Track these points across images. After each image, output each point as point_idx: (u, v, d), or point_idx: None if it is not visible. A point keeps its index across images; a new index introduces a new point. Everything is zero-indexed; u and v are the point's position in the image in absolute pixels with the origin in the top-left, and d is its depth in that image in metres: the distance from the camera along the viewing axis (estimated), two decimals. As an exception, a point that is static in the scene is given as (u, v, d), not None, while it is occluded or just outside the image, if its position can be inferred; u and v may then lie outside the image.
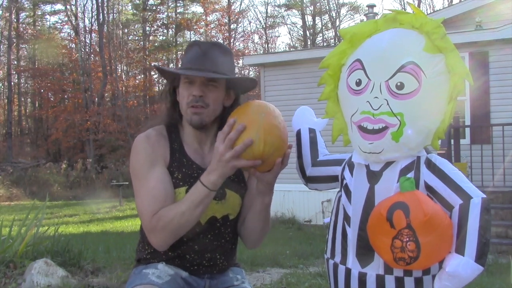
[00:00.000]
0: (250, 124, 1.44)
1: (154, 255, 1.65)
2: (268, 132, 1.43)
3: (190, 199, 1.49)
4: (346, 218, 1.46)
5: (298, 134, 1.71)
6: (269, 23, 29.98)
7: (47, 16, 30.33)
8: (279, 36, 43.44)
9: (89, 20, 30.15)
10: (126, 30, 29.27)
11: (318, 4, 28.75)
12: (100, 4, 25.82)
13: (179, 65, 1.71)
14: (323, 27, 29.57)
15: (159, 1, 28.31)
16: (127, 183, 14.87)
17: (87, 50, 27.11)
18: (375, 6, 11.87)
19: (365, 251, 1.41)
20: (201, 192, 1.48)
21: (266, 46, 29.87)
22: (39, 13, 29.22)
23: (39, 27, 28.92)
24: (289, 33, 37.38)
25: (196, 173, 1.63)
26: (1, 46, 27.20)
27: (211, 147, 1.68)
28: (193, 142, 1.69)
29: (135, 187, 1.59)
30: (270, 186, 1.57)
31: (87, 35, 27.84)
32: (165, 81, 1.78)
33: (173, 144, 1.67)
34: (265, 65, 10.41)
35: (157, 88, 27.24)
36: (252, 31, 31.15)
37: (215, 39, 27.94)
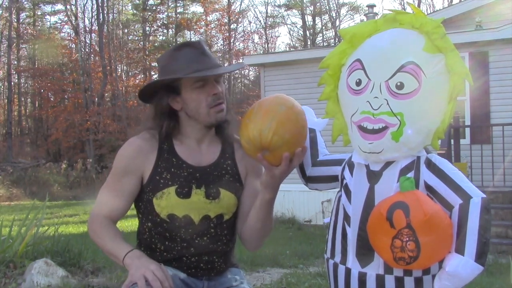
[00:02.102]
0: (267, 112, 1.45)
1: (151, 256, 1.65)
2: (281, 124, 1.42)
3: (108, 247, 1.59)
4: (346, 218, 1.46)
5: None
6: (269, 23, 29.96)
7: (47, 16, 30.32)
8: (279, 36, 43.42)
9: (89, 20, 30.02)
10: (126, 30, 29.22)
11: (318, 4, 28.71)
12: (100, 4, 25.78)
13: (167, 71, 1.63)
14: (323, 27, 29.53)
15: (159, 1, 28.28)
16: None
17: (87, 50, 27.05)
18: (375, 6, 11.89)
19: (365, 251, 1.41)
20: (117, 255, 1.55)
21: (266, 46, 29.82)
22: (39, 13, 29.19)
23: (39, 27, 28.87)
24: (289, 33, 37.38)
25: (186, 172, 1.63)
26: (1, 46, 27.18)
27: (209, 145, 1.70)
28: (191, 141, 1.68)
29: (107, 179, 1.69)
30: (275, 181, 1.51)
31: (87, 35, 27.80)
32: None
33: (163, 145, 1.66)
34: (265, 65, 10.40)
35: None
36: (252, 31, 31.13)
37: (215, 39, 27.99)
